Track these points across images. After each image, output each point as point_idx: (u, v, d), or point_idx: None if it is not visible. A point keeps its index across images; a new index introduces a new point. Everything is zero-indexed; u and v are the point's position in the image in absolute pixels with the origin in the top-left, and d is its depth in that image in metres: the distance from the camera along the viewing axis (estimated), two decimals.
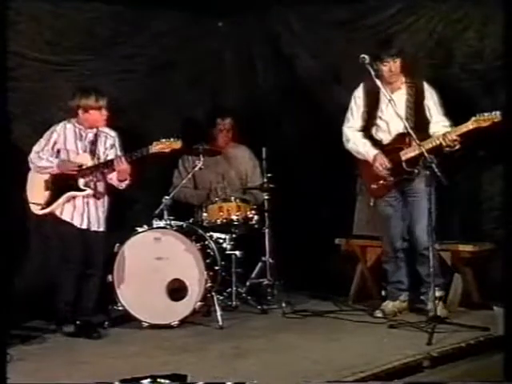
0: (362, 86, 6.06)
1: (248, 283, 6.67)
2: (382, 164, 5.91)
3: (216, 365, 5.01)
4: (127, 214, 6.82)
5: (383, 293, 6.32)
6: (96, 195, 5.84)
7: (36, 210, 5.82)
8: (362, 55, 5.70)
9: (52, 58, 6.47)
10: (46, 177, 5.80)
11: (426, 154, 5.58)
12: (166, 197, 6.33)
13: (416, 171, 5.83)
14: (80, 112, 5.81)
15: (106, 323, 6.01)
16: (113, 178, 5.86)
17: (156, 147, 5.78)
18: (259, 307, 6.47)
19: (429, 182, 5.60)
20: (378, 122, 6.00)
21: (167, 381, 4.36)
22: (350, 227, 6.75)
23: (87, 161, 5.81)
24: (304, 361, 5.05)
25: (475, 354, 5.13)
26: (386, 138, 5.99)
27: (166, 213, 6.24)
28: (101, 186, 5.88)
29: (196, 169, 6.52)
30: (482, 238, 6.19)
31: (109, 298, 6.07)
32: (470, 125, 5.61)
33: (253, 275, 6.76)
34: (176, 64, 7.26)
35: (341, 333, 5.73)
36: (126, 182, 5.88)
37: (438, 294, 5.80)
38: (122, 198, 6.21)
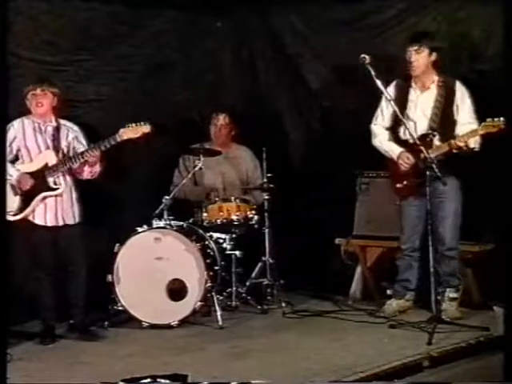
0: (393, 83, 6.04)
1: (248, 283, 6.67)
2: (406, 161, 5.87)
3: (216, 365, 5.02)
4: (127, 213, 6.82)
5: (388, 291, 6.29)
6: (65, 190, 5.72)
7: (10, 216, 5.55)
8: (362, 55, 5.70)
9: (48, 58, 6.46)
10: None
11: (426, 155, 5.57)
12: (166, 197, 6.33)
13: (429, 173, 5.68)
14: (28, 103, 5.71)
15: (106, 323, 6.01)
16: (82, 171, 5.76)
17: (124, 134, 5.62)
18: (259, 307, 6.47)
19: (429, 183, 5.60)
20: (406, 120, 5.91)
21: (167, 381, 4.36)
22: (350, 227, 6.75)
23: (52, 158, 5.68)
24: (304, 361, 5.05)
25: (475, 354, 5.13)
26: (412, 137, 5.92)
27: (165, 213, 6.24)
28: (69, 180, 5.76)
29: (196, 169, 6.52)
30: (482, 238, 6.19)
31: (109, 297, 6.06)
32: (479, 130, 5.61)
33: (253, 275, 6.75)
34: (174, 64, 7.25)
35: (341, 333, 5.73)
36: (98, 171, 5.77)
37: (452, 295, 5.87)
38: (122, 198, 6.22)
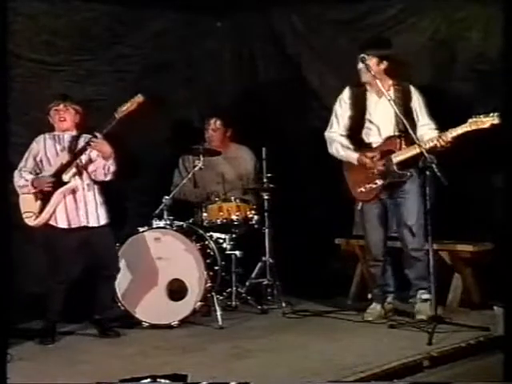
0: (347, 89, 6.05)
1: (248, 283, 6.68)
2: (371, 159, 5.85)
3: (216, 365, 5.01)
4: (127, 214, 6.82)
5: (369, 296, 6.27)
6: (84, 189, 5.78)
7: (30, 220, 5.68)
8: (362, 55, 5.70)
9: (48, 58, 6.46)
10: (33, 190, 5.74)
11: (426, 155, 5.57)
12: (166, 197, 6.33)
13: (409, 174, 5.79)
14: (50, 119, 5.86)
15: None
16: (96, 169, 5.80)
17: (121, 112, 5.69)
18: (259, 307, 6.47)
19: (428, 183, 5.60)
20: (368, 125, 5.95)
21: (167, 381, 4.36)
22: (350, 227, 6.75)
23: (65, 158, 5.76)
24: (304, 361, 5.05)
25: (475, 354, 5.13)
26: (376, 141, 5.94)
27: (165, 213, 6.24)
28: (87, 179, 5.81)
29: (196, 169, 6.52)
30: (482, 238, 6.19)
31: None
32: (467, 126, 5.59)
33: (253, 275, 6.76)
34: (174, 64, 7.25)
35: (341, 333, 5.73)
36: (112, 168, 5.79)
37: (424, 296, 5.86)
38: (122, 198, 6.22)
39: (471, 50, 6.32)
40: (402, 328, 5.69)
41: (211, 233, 6.49)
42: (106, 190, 5.98)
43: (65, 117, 5.84)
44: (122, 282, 6.07)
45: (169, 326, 5.99)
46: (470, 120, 5.58)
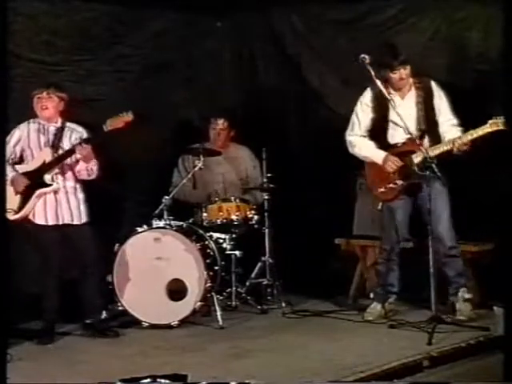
0: (368, 91, 6.00)
1: (248, 283, 6.67)
2: (393, 163, 5.85)
3: (216, 365, 5.01)
4: (127, 214, 6.82)
5: (371, 295, 6.26)
6: (66, 188, 5.76)
7: (10, 215, 5.62)
8: (362, 55, 5.69)
9: (48, 58, 6.45)
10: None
11: (426, 155, 5.57)
12: (166, 197, 6.33)
13: (427, 173, 5.66)
14: (34, 106, 5.77)
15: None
16: (80, 170, 5.79)
17: (109, 125, 5.68)
18: (259, 307, 6.47)
19: (429, 183, 5.59)
20: (392, 126, 5.92)
21: (167, 381, 4.36)
22: (350, 227, 6.75)
23: (49, 155, 5.72)
24: (304, 361, 5.05)
25: (475, 354, 5.13)
26: (400, 141, 5.91)
27: (165, 213, 6.24)
28: (70, 179, 5.79)
29: (196, 169, 6.52)
30: (482, 238, 6.18)
31: (109, 297, 6.06)
32: (488, 128, 5.54)
33: (253, 275, 6.76)
34: (174, 64, 7.25)
35: (341, 333, 5.73)
36: (94, 168, 5.80)
37: (466, 295, 5.87)
38: (122, 198, 6.21)
39: (471, 50, 6.32)
40: (401, 328, 5.69)
41: (211, 233, 6.49)
42: (106, 190, 5.99)
43: (47, 105, 5.74)
44: (121, 281, 6.07)
45: (169, 326, 5.99)
46: (489, 121, 5.55)
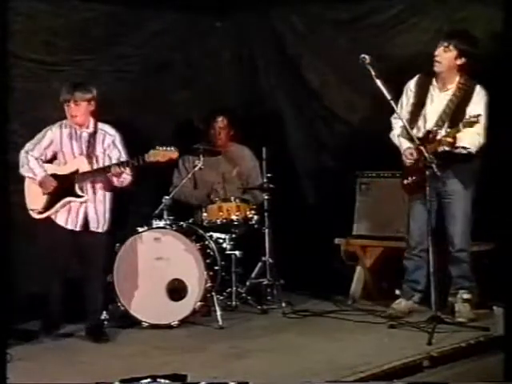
0: (416, 78, 5.98)
1: (248, 283, 6.67)
2: (409, 157, 5.83)
3: (216, 365, 5.01)
4: (127, 214, 6.81)
5: (397, 291, 6.20)
6: (95, 197, 5.74)
7: (34, 214, 5.71)
8: (363, 55, 5.68)
9: (48, 58, 6.44)
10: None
11: (425, 154, 5.57)
12: (166, 197, 6.33)
13: (436, 170, 5.53)
14: (65, 109, 5.72)
15: (105, 323, 6.01)
16: (112, 179, 5.77)
17: (152, 157, 5.63)
18: (259, 307, 6.47)
19: (429, 183, 5.59)
20: (421, 117, 5.90)
21: (167, 381, 4.36)
22: (350, 227, 6.75)
23: (83, 164, 5.69)
24: (304, 361, 5.05)
25: (475, 354, 5.13)
26: (423, 134, 5.88)
27: (165, 213, 6.23)
28: (100, 189, 5.77)
29: (196, 169, 6.52)
30: (482, 238, 6.18)
31: (109, 297, 6.06)
32: (461, 127, 5.57)
33: (253, 275, 6.75)
34: (174, 64, 7.25)
35: (341, 333, 5.73)
36: (128, 178, 5.78)
37: (465, 296, 5.85)
38: (122, 198, 6.21)
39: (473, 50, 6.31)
40: (401, 328, 5.69)
41: (211, 233, 6.49)
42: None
43: (76, 113, 5.68)
44: (122, 282, 6.07)
45: (169, 326, 5.99)
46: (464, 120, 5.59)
